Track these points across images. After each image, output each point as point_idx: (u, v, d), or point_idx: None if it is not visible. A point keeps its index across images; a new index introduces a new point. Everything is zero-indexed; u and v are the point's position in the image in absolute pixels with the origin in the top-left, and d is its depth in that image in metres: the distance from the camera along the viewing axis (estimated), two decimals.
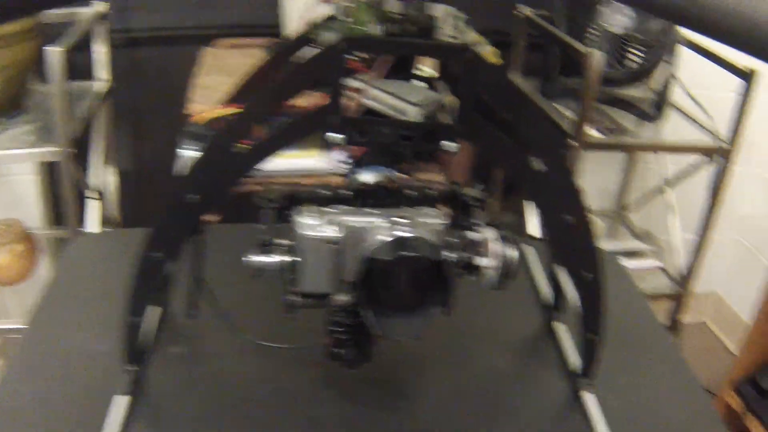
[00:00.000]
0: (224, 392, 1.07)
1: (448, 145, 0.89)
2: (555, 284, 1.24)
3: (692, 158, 2.39)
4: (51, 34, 1.95)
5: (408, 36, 0.91)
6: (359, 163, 0.98)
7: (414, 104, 0.90)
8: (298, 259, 0.89)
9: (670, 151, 2.51)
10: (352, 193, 0.95)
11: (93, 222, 2.21)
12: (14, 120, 2.06)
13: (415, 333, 0.88)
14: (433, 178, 1.91)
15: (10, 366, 1.09)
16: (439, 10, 0.93)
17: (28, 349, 1.13)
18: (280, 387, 1.08)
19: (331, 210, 0.90)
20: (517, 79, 2.47)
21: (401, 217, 0.89)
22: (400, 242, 0.84)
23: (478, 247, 0.92)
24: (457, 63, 0.85)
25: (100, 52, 2.31)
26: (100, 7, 2.23)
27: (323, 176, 1.75)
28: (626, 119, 2.32)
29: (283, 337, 1.12)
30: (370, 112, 0.91)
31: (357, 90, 0.91)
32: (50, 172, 2.49)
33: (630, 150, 2.65)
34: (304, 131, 0.87)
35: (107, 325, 1.15)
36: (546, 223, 1.00)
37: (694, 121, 2.34)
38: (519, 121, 0.90)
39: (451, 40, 0.95)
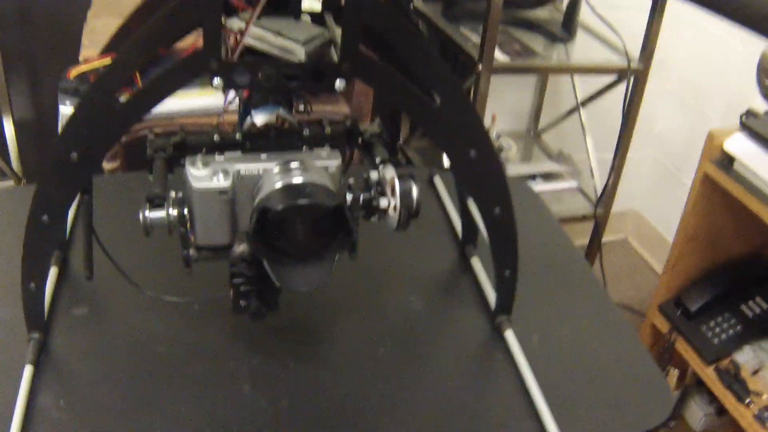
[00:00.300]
0: (131, 351, 1.02)
1: (336, 83, 0.85)
2: (466, 216, 1.21)
3: (605, 78, 2.38)
4: None
5: None
6: (249, 104, 0.93)
7: (300, 42, 0.85)
8: (190, 211, 0.84)
9: (581, 73, 2.50)
10: (241, 136, 0.90)
11: None
12: None
13: (318, 282, 0.85)
14: (336, 110, 1.87)
15: None
16: None
17: None
18: (187, 342, 1.04)
19: (221, 158, 0.86)
20: (418, 3, 2.42)
21: (294, 161, 0.85)
22: (291, 189, 0.80)
23: (378, 187, 0.89)
24: None
25: None
26: None
27: (217, 116, 1.70)
28: (535, 41, 2.30)
29: (186, 292, 1.08)
30: (253, 53, 0.86)
31: (238, 30, 0.85)
32: None
33: (539, 72, 2.64)
34: (182, 78, 0.82)
35: (3, 291, 1.10)
36: (451, 159, 0.96)
37: (604, 41, 2.33)
38: (409, 54, 0.86)
39: None
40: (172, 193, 0.85)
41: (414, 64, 0.86)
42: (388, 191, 0.88)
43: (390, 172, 0.88)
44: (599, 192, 2.43)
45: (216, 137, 0.91)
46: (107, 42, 1.08)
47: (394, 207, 0.87)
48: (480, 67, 2.00)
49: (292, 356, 1.03)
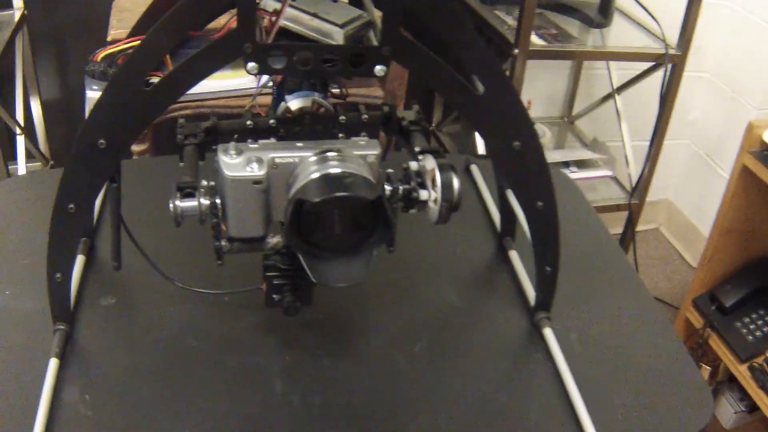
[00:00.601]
0: (159, 344, 1.00)
1: (376, 68, 0.81)
2: (505, 207, 1.17)
3: (640, 63, 2.33)
4: None
5: None
6: (282, 88, 0.90)
7: (338, 25, 0.81)
8: (223, 201, 0.81)
9: (618, 59, 2.45)
10: (275, 122, 0.87)
11: (21, 159, 2.13)
12: None
13: (356, 278, 0.81)
14: (370, 93, 1.83)
15: None
16: None
17: None
18: (217, 336, 1.01)
19: (255, 145, 0.82)
20: None
21: (331, 150, 0.81)
22: (329, 180, 0.76)
23: (418, 178, 0.85)
24: None
25: None
26: None
27: (249, 98, 1.67)
28: (570, 25, 2.25)
29: (216, 283, 1.05)
30: (288, 35, 0.83)
31: (273, 11, 0.82)
32: None
33: (576, 58, 2.60)
34: (215, 62, 0.78)
35: (29, 281, 1.07)
36: (491, 150, 0.92)
37: (642, 26, 2.28)
38: (454, 41, 0.82)
39: None
40: (204, 182, 0.81)
41: (458, 49, 0.82)
42: (429, 183, 0.84)
43: (431, 163, 0.84)
44: (634, 181, 2.38)
45: (249, 122, 0.87)
46: (135, 23, 1.04)
47: (435, 200, 0.83)
48: (516, 51, 1.95)
49: (326, 352, 1.00)
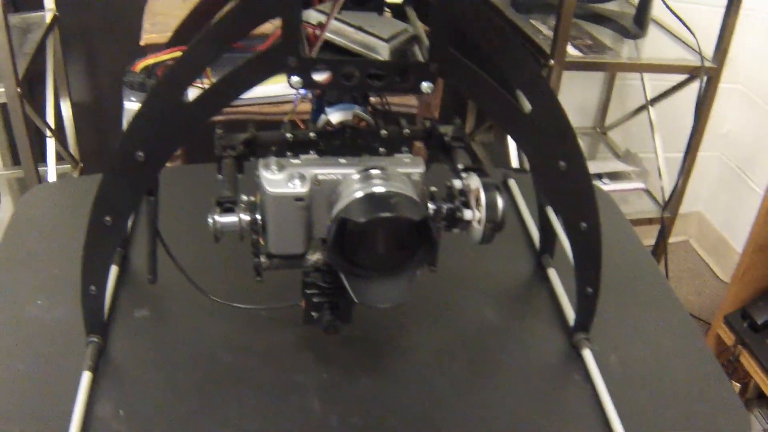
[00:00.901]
0: (194, 358, 0.99)
1: (423, 85, 0.79)
2: (544, 225, 1.15)
3: (675, 75, 2.31)
4: None
5: None
6: (322, 101, 0.88)
7: (383, 39, 0.80)
8: (263, 217, 0.79)
9: (654, 71, 2.42)
10: (315, 135, 0.85)
11: (51, 162, 2.12)
12: None
13: (399, 298, 0.79)
14: (404, 102, 1.82)
15: None
16: None
17: None
18: (254, 352, 1.00)
19: (297, 161, 0.80)
20: None
21: (375, 167, 0.79)
22: (374, 200, 0.75)
23: (462, 197, 0.83)
24: None
25: None
26: None
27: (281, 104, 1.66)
28: (604, 35, 2.23)
29: (253, 298, 1.04)
30: (332, 48, 0.81)
31: (317, 24, 0.80)
32: (3, 109, 2.38)
33: (612, 69, 2.57)
34: (258, 76, 0.76)
35: (62, 291, 1.07)
36: (536, 168, 0.90)
37: (677, 37, 2.25)
38: (501, 58, 0.80)
39: None
40: (244, 197, 0.80)
41: (507, 67, 0.80)
42: (473, 202, 0.82)
43: (475, 182, 0.82)
44: (666, 194, 2.35)
45: (288, 135, 0.86)
46: (174, 31, 1.03)
47: (479, 220, 0.81)
48: (552, 61, 1.93)
49: (363, 370, 0.98)
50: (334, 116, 0.86)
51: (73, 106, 2.40)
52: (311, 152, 0.85)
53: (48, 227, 1.24)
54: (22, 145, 1.90)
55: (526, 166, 2.11)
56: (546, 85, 0.83)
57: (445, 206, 0.82)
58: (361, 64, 0.78)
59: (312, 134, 0.85)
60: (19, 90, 1.80)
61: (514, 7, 2.26)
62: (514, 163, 2.18)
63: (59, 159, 2.20)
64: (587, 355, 1.01)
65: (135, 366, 0.97)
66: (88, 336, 0.96)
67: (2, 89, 1.81)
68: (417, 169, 0.82)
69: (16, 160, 2.52)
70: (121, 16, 2.32)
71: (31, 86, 2.01)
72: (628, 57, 2.18)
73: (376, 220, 0.73)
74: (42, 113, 2.12)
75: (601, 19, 2.27)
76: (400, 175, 0.80)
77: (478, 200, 0.81)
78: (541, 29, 2.13)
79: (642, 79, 2.52)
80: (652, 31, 2.29)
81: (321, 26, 0.80)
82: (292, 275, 0.88)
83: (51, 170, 2.12)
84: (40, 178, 1.99)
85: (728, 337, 2.24)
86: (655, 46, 2.26)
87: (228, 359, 0.98)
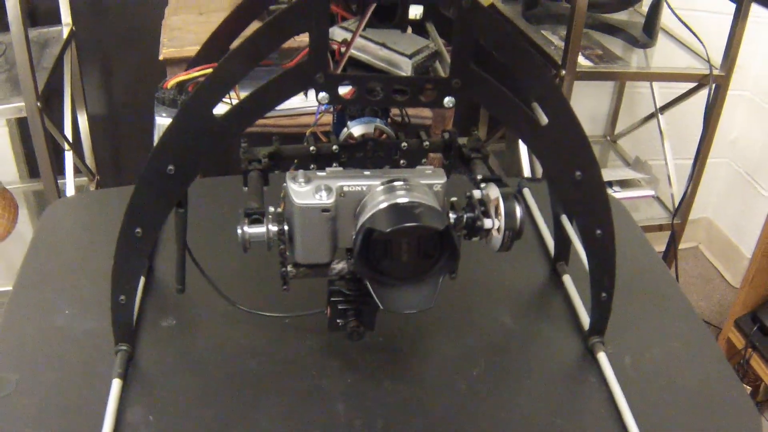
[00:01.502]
0: (221, 365, 1.01)
1: (445, 99, 0.82)
2: (559, 233, 1.18)
3: (684, 83, 2.33)
4: None
5: None
6: (344, 114, 0.91)
7: (406, 55, 0.82)
8: (291, 228, 0.82)
9: (663, 80, 2.44)
10: (338, 148, 0.88)
11: (69, 175, 2.15)
12: None
13: (423, 304, 0.82)
14: (417, 113, 1.85)
15: None
16: None
17: (10, 331, 1.07)
18: (279, 358, 1.03)
19: (323, 173, 0.83)
20: (499, 4, 2.40)
21: (398, 179, 0.82)
22: (400, 210, 0.77)
23: (482, 207, 0.85)
24: (452, 10, 0.77)
25: None
26: None
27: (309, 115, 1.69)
28: (614, 44, 2.26)
29: (278, 306, 1.06)
30: (357, 64, 0.84)
31: (342, 41, 0.83)
32: (21, 123, 2.42)
33: (622, 79, 2.60)
34: (286, 92, 0.79)
35: (89, 301, 1.10)
36: (552, 178, 0.93)
37: (686, 46, 2.28)
38: (519, 72, 0.83)
39: None
40: (271, 209, 0.82)
41: (524, 81, 0.83)
42: (492, 211, 0.85)
43: (494, 192, 0.85)
44: (676, 201, 2.37)
45: (312, 148, 0.88)
46: (199, 49, 1.06)
47: (498, 228, 0.84)
48: (563, 72, 1.96)
49: (386, 375, 1.01)
50: (357, 129, 0.89)
51: (89, 119, 2.43)
52: (334, 164, 0.88)
53: (72, 240, 1.26)
54: (42, 158, 1.92)
55: (539, 174, 2.13)
56: (562, 98, 0.86)
57: (465, 215, 0.84)
58: (385, 80, 0.81)
59: (335, 147, 0.88)
60: (39, 104, 1.83)
61: (526, 19, 2.29)
62: (526, 172, 2.20)
63: (76, 172, 2.23)
64: (602, 357, 1.04)
65: (163, 373, 0.99)
66: (117, 344, 0.98)
67: (22, 103, 1.83)
68: (438, 180, 0.84)
69: (32, 173, 2.55)
70: (135, 31, 2.35)
71: (48, 100, 2.03)
72: (637, 66, 2.21)
73: (400, 230, 0.75)
74: (60, 127, 2.14)
75: (611, 29, 2.29)
76: (423, 186, 0.82)
77: (497, 209, 0.84)
78: (553, 40, 2.16)
79: (651, 88, 2.55)
80: (661, 39, 2.31)
81: (346, 43, 0.82)
82: (315, 284, 0.90)
83: (69, 183, 2.15)
84: (59, 191, 2.02)
85: (739, 341, 2.26)
86: (664, 54, 2.28)
87: (254, 366, 1.01)
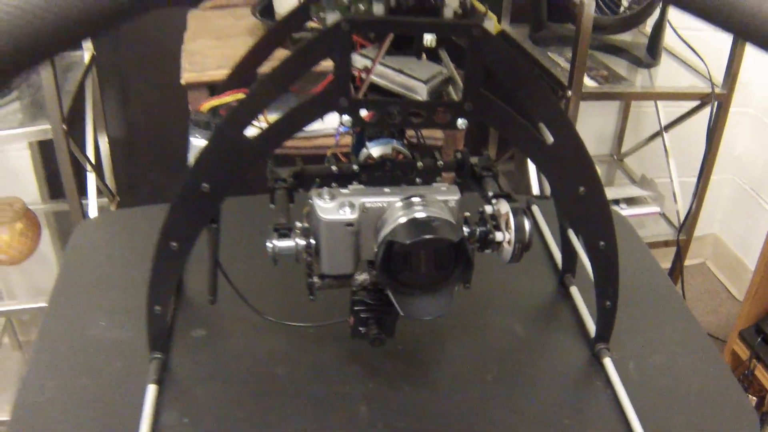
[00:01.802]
0: (249, 372, 1.07)
1: (458, 121, 0.89)
2: (566, 246, 1.24)
3: (688, 102, 2.39)
4: None
5: (412, 13, 0.89)
6: (362, 136, 0.97)
7: (422, 81, 0.89)
8: (317, 241, 0.88)
9: (667, 99, 2.50)
10: (358, 167, 0.94)
11: (92, 196, 2.21)
12: (1, 99, 2.05)
13: (440, 311, 0.88)
14: (430, 133, 1.91)
15: (32, 361, 1.09)
16: None
17: (47, 341, 1.13)
18: (305, 365, 1.09)
19: (346, 191, 0.89)
20: (507, 26, 2.46)
21: (416, 196, 0.88)
22: (418, 224, 0.84)
23: (493, 221, 0.92)
24: (464, 40, 0.84)
25: None
26: None
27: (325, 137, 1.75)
28: (619, 65, 2.32)
29: (301, 316, 1.12)
30: (376, 89, 0.90)
31: (363, 68, 0.90)
32: (42, 145, 2.48)
33: (627, 98, 2.65)
34: (312, 116, 0.86)
35: (122, 313, 1.16)
36: (558, 194, 0.99)
37: (688, 65, 2.34)
38: (526, 95, 0.89)
39: (456, 11, 0.94)
40: (298, 224, 0.89)
41: (531, 104, 0.89)
42: (503, 225, 0.91)
43: (505, 207, 0.91)
44: (682, 217, 2.43)
45: (334, 168, 0.95)
46: (230, 73, 1.12)
47: (509, 241, 0.90)
48: (569, 92, 2.02)
49: (406, 380, 1.07)
50: (375, 150, 0.96)
51: (110, 141, 2.50)
52: (354, 183, 0.94)
53: (102, 256, 1.33)
54: (67, 180, 1.98)
55: (547, 192, 2.19)
56: (566, 119, 0.92)
57: (478, 229, 0.91)
58: (403, 104, 0.87)
59: (355, 167, 0.95)
60: (64, 127, 1.90)
61: (533, 41, 2.36)
62: (535, 190, 2.26)
63: (97, 192, 2.29)
64: (607, 363, 1.10)
65: (195, 379, 1.05)
66: (151, 352, 1.04)
67: (47, 126, 1.90)
68: (453, 197, 0.91)
69: (53, 194, 2.61)
70: (153, 56, 2.42)
71: (71, 122, 2.10)
72: (641, 86, 2.27)
73: (419, 242, 0.82)
74: (82, 149, 2.21)
75: (615, 49, 2.36)
76: (439, 202, 0.89)
77: (507, 223, 0.90)
78: (559, 61, 2.22)
79: (656, 107, 2.61)
80: (665, 59, 2.37)
81: (366, 70, 0.89)
82: (336, 295, 0.96)
83: (92, 204, 2.21)
84: (84, 212, 2.08)
85: (743, 352, 2.31)
86: (667, 74, 2.35)
87: (281, 372, 1.07)
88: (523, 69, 0.88)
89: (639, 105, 2.80)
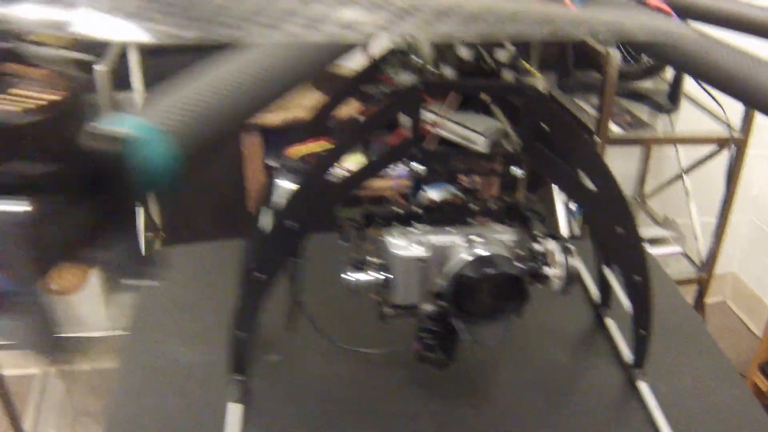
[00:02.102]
0: (323, 394, 1.20)
1: (515, 170, 1.01)
2: (603, 283, 1.36)
3: (706, 146, 2.49)
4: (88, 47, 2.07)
5: (477, 77, 1.01)
6: (420, 180, 1.09)
7: (481, 134, 1.01)
8: (391, 275, 1.00)
9: (687, 143, 2.60)
10: (421, 210, 1.06)
11: (141, 230, 2.30)
12: None
13: (499, 337, 1.00)
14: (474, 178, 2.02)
15: (119, 382, 1.21)
16: (501, 54, 1.03)
17: (131, 364, 1.25)
18: (373, 387, 1.21)
19: (416, 230, 1.01)
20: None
21: (477, 235, 1.00)
22: (484, 261, 0.95)
23: (543, 258, 1.04)
24: (520, 100, 0.96)
25: (134, 62, 2.40)
26: None
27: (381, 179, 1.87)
28: (641, 110, 2.42)
29: (371, 342, 1.24)
30: (443, 140, 1.02)
31: (432, 123, 1.02)
32: None
33: (650, 143, 2.75)
34: (390, 162, 0.98)
35: (199, 339, 1.28)
36: (597, 233, 1.11)
37: (707, 111, 2.44)
38: (572, 148, 1.02)
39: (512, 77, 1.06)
40: (373, 259, 1.01)
41: (576, 157, 1.02)
42: (551, 261, 1.03)
43: (553, 246, 1.03)
44: (702, 256, 2.53)
45: (398, 209, 1.07)
46: (307, 124, 1.25)
47: (558, 276, 1.02)
48: (597, 138, 2.13)
49: (465, 400, 1.20)
50: (434, 194, 1.08)
51: None
52: (413, 223, 1.06)
53: (175, 288, 1.45)
54: None
55: (576, 233, 2.29)
56: (607, 170, 1.04)
57: (531, 266, 1.03)
58: (468, 155, 1.00)
59: (417, 209, 1.07)
60: None
61: (560, 87, 2.47)
62: (563, 229, 2.36)
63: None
64: (642, 386, 1.23)
65: (272, 400, 1.17)
66: (233, 374, 1.16)
67: None
68: (509, 236, 1.03)
69: None
70: None
71: None
72: (663, 131, 2.38)
73: (486, 276, 0.94)
74: None
75: (637, 96, 2.46)
76: (497, 240, 1.01)
77: (555, 260, 1.02)
78: (585, 107, 2.32)
79: (677, 150, 2.72)
80: (684, 104, 2.48)
81: (434, 124, 1.01)
82: (396, 324, 1.06)
83: (141, 238, 2.31)
84: None
85: (763, 384, 2.39)
86: (686, 118, 2.45)
87: (352, 394, 1.20)
88: (570, 125, 1.01)
89: (660, 148, 2.91)
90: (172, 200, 2.64)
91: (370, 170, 0.99)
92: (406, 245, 0.99)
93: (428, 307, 1.03)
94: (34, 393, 2.72)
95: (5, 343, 0.50)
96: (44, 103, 0.51)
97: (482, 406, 1.19)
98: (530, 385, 1.25)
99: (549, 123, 0.99)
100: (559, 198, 2.24)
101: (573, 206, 2.26)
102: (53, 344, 0.50)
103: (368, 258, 1.01)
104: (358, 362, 1.25)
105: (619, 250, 1.11)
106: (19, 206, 0.44)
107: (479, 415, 1.18)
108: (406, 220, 1.06)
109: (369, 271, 1.00)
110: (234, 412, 1.13)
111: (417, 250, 0.98)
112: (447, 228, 1.03)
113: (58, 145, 0.49)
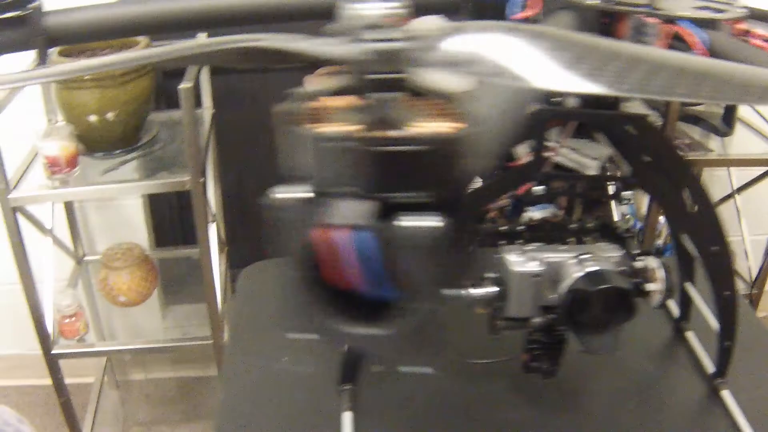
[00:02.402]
0: (430, 401, 1.26)
1: (622, 194, 1.08)
2: (684, 298, 1.43)
3: (758, 167, 2.57)
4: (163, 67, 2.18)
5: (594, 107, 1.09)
6: (520, 200, 1.16)
7: (594, 159, 1.08)
8: (506, 289, 1.06)
9: (740, 165, 2.67)
10: (524, 227, 1.13)
11: (213, 244, 2.37)
12: (135, 151, 2.25)
13: (612, 347, 1.06)
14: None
15: (224, 392, 1.27)
16: None
17: (234, 374, 1.32)
18: (480, 396, 1.27)
19: (531, 248, 1.08)
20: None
21: (587, 252, 1.07)
22: (596, 276, 1.02)
23: (644, 274, 1.10)
24: (633, 128, 1.03)
25: (205, 81, 2.50)
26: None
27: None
28: (696, 132, 2.49)
29: (475, 353, 1.31)
30: (558, 165, 1.10)
31: (551, 148, 1.09)
32: (151, 196, 2.70)
33: (707, 166, 2.79)
34: (514, 184, 1.06)
35: (301, 350, 1.34)
36: (697, 251, 1.18)
37: (760, 133, 2.52)
38: (676, 172, 1.09)
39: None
40: (489, 274, 1.08)
41: (680, 179, 1.10)
42: (651, 277, 1.10)
43: (653, 263, 1.10)
44: (753, 273, 2.60)
45: (504, 228, 1.14)
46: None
47: (659, 290, 1.09)
48: None
49: (562, 408, 1.27)
50: (537, 213, 1.15)
51: (223, 195, 2.70)
52: (516, 241, 1.13)
53: (270, 300, 1.52)
54: (201, 229, 2.16)
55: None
56: (706, 193, 1.12)
57: (635, 281, 1.09)
58: (585, 179, 1.07)
59: (521, 228, 1.14)
60: (201, 180, 2.09)
61: None
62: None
63: None
64: (726, 395, 1.29)
65: (380, 407, 1.24)
66: (343, 384, 1.23)
67: (186, 177, 2.08)
68: (615, 254, 1.10)
69: (158, 242, 2.82)
70: (261, 115, 2.57)
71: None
72: (717, 153, 2.44)
73: (601, 290, 1.01)
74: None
75: (694, 119, 2.52)
76: (605, 257, 1.08)
77: (655, 275, 1.09)
78: None
79: (728, 170, 2.78)
80: (738, 127, 2.52)
81: (552, 149, 1.09)
82: (497, 337, 1.13)
83: (213, 252, 2.37)
84: (211, 260, 2.25)
85: None
86: (739, 141, 2.50)
87: (458, 401, 1.26)
88: (674, 152, 1.08)
89: (712, 168, 2.95)
90: None
91: (496, 188, 1.07)
92: (523, 261, 1.06)
93: (538, 320, 1.09)
94: (91, 402, 2.79)
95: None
96: (445, 131, 0.56)
97: (581, 413, 1.26)
98: (620, 396, 1.31)
99: (657, 149, 1.06)
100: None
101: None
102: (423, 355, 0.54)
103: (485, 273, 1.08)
104: (463, 371, 1.31)
105: (713, 267, 1.18)
106: (433, 221, 0.49)
107: (579, 420, 1.25)
108: (508, 237, 1.13)
109: (487, 286, 1.07)
110: (348, 421, 1.19)
111: (533, 266, 1.05)
112: (560, 247, 1.10)
113: (448, 174, 0.55)
